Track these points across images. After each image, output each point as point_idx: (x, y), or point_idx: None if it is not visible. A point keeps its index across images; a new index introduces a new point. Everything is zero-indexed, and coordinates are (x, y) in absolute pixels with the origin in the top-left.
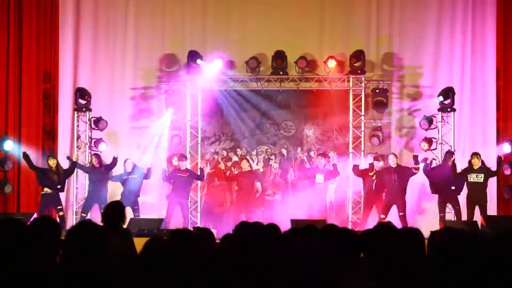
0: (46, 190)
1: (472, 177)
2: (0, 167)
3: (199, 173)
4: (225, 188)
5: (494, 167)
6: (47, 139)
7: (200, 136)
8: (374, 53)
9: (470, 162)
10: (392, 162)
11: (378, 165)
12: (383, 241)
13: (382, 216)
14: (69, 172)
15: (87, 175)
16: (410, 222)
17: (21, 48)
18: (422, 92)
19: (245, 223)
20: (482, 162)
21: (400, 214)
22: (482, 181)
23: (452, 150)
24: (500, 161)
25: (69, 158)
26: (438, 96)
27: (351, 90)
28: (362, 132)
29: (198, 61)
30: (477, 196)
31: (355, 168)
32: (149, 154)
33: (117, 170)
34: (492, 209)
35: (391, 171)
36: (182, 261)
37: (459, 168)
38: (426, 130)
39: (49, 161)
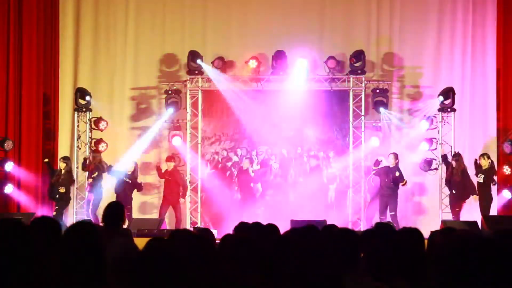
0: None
1: (479, 178)
2: (0, 166)
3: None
4: (225, 188)
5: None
6: (48, 139)
7: (200, 136)
8: (374, 53)
9: (479, 163)
10: (391, 161)
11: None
12: (383, 241)
13: (382, 217)
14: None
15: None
16: (410, 222)
17: (21, 48)
18: (422, 92)
19: (245, 223)
20: (492, 162)
21: (391, 213)
22: (482, 181)
23: (455, 151)
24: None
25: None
26: (439, 96)
27: (351, 90)
28: (363, 132)
29: (198, 61)
30: (481, 196)
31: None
32: (149, 155)
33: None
34: (492, 209)
35: (388, 171)
36: (182, 261)
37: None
38: (426, 130)
39: (60, 164)
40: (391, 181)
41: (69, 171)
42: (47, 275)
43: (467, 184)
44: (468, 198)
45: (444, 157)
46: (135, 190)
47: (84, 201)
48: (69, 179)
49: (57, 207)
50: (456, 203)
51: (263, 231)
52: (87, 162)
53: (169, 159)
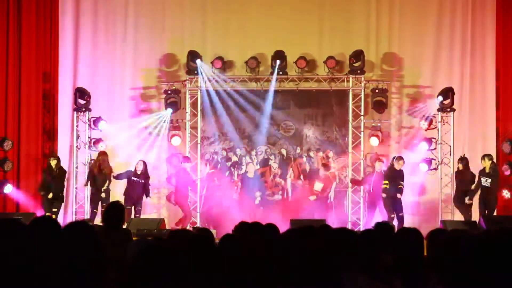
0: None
1: (483, 181)
2: (0, 167)
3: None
4: (225, 188)
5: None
6: (47, 139)
7: (200, 136)
8: (374, 53)
9: (482, 164)
10: (399, 165)
11: (381, 167)
12: (382, 241)
13: (393, 216)
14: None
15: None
16: (409, 222)
17: (21, 48)
18: (422, 92)
19: (245, 223)
20: (494, 164)
21: (400, 214)
22: (489, 185)
23: (461, 155)
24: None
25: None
26: (438, 96)
27: (350, 90)
28: (362, 132)
29: (198, 61)
30: (486, 199)
31: (354, 182)
32: (149, 155)
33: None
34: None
35: (395, 173)
36: (181, 261)
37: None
38: (426, 130)
39: (50, 161)
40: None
41: (60, 168)
42: (46, 275)
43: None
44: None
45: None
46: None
47: (84, 201)
48: (61, 177)
49: (55, 210)
50: (465, 208)
51: (263, 231)
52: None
53: (187, 160)
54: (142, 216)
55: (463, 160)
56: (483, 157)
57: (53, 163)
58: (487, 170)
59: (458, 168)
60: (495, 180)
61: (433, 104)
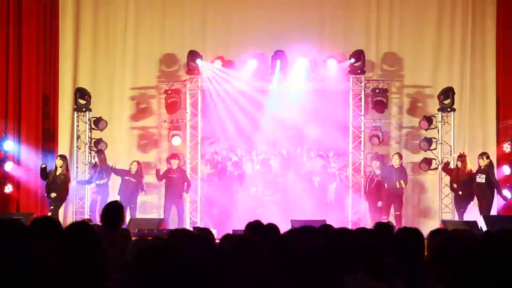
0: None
1: (478, 178)
2: (0, 166)
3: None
4: (225, 188)
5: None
6: (47, 139)
7: (200, 136)
8: (374, 53)
9: (478, 162)
10: (395, 162)
11: (376, 165)
12: (382, 240)
13: (384, 216)
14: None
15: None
16: (410, 222)
17: (21, 48)
18: (422, 92)
19: (258, 222)
20: (490, 162)
21: (396, 213)
22: (483, 181)
23: (460, 152)
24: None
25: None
26: (438, 96)
27: (351, 90)
28: (362, 132)
29: (198, 61)
30: (481, 195)
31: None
32: (148, 155)
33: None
34: (492, 209)
35: (392, 171)
36: (181, 261)
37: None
38: (426, 130)
39: (56, 161)
40: (395, 181)
41: (65, 171)
42: (46, 275)
43: (473, 185)
44: (473, 199)
45: (446, 165)
46: (140, 190)
47: (84, 201)
48: (65, 179)
49: (52, 207)
50: (462, 204)
51: (263, 231)
52: (97, 166)
53: (173, 156)
54: (142, 216)
55: (460, 157)
56: (481, 155)
57: (58, 163)
58: (482, 167)
59: (456, 165)
60: (490, 175)
61: (433, 104)
